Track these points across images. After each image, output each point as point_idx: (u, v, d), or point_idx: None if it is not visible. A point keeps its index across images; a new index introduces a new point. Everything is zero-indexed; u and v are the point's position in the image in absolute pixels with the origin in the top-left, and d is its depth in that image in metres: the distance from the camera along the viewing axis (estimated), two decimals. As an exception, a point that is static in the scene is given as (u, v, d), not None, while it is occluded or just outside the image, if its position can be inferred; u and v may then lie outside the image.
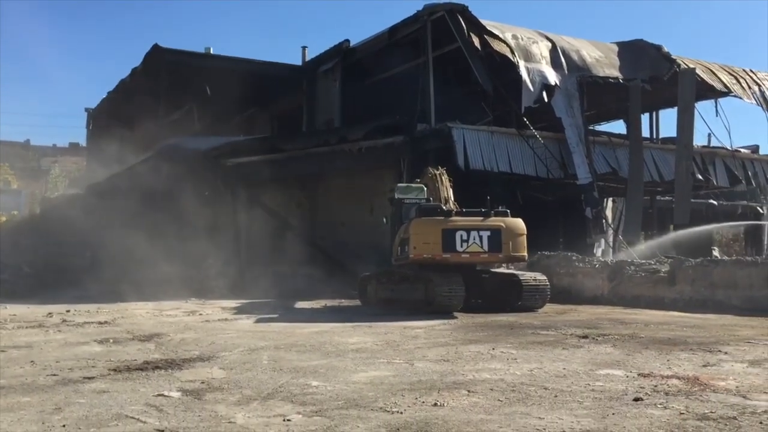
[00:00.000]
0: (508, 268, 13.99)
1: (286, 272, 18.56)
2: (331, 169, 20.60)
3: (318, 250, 19.95)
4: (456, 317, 11.35)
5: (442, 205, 13.14)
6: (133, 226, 17.48)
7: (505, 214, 12.61)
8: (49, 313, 11.99)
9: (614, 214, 26.64)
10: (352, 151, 19.53)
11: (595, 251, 21.02)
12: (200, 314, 12.38)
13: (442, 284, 11.99)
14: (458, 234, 12.12)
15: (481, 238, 12.18)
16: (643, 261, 15.77)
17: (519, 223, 12.60)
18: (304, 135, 20.60)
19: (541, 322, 10.49)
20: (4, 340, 8.58)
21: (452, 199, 13.92)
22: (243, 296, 16.41)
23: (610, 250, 22.72)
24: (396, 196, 14.03)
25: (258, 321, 11.20)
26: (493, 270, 13.43)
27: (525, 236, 12.56)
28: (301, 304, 14.73)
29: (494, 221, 12.40)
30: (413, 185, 14.45)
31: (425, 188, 14.14)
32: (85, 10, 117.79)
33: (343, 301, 15.82)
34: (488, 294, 13.07)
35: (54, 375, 6.22)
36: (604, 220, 22.09)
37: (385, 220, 14.80)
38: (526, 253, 12.79)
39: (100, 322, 10.74)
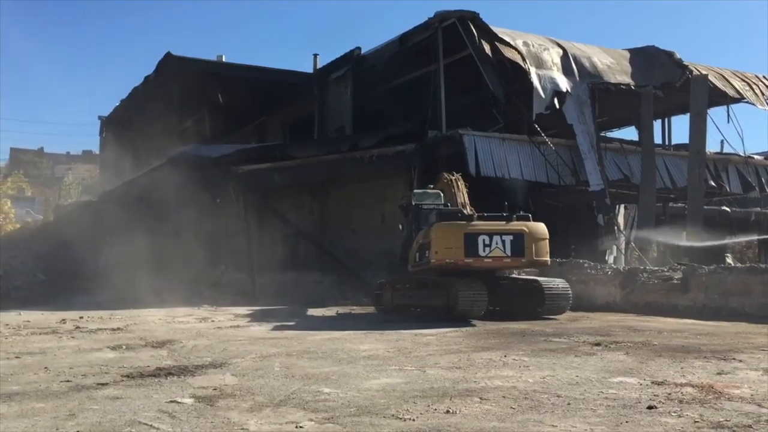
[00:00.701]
0: (519, 274, 13.91)
1: (298, 279, 18.59)
2: (342, 176, 20.64)
3: (329, 257, 19.97)
4: (474, 324, 11.25)
5: (463, 210, 12.99)
6: (145, 233, 17.57)
7: (527, 219, 12.40)
8: (63, 320, 12.07)
9: (626, 221, 26.49)
10: (363, 159, 19.56)
11: (607, 258, 20.92)
12: (212, 321, 12.42)
13: (464, 290, 11.76)
14: (480, 238, 11.90)
15: (503, 242, 11.97)
16: (656, 268, 15.67)
17: (541, 228, 12.40)
18: (316, 142, 20.65)
19: (553, 330, 10.45)
20: (18, 347, 8.64)
21: (469, 204, 13.79)
22: (255, 303, 16.46)
23: (622, 256, 22.61)
24: (413, 202, 13.89)
25: (270, 328, 11.22)
26: (511, 276, 13.23)
27: (547, 241, 12.37)
28: (312, 311, 14.75)
29: (517, 225, 12.19)
30: (429, 191, 14.32)
31: (442, 194, 14.04)
32: (98, 19, 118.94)
33: (354, 307, 15.82)
34: (507, 300, 12.84)
35: (68, 381, 6.26)
36: (616, 227, 21.98)
37: (401, 227, 14.59)
38: (548, 258, 12.58)
39: (113, 329, 10.80)
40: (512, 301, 12.83)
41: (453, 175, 14.52)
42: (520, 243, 12.03)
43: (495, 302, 12.63)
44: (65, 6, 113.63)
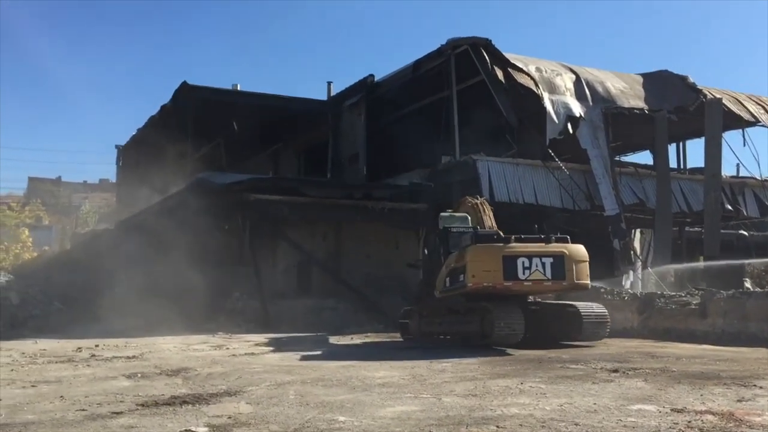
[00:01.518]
0: (548, 298, 13.44)
1: (312, 306, 18.55)
2: (353, 221, 20.57)
3: (344, 284, 19.94)
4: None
5: (496, 230, 12.49)
6: (160, 261, 17.64)
7: (565, 240, 11.93)
8: (79, 348, 12.10)
9: (642, 246, 26.30)
10: (375, 209, 19.58)
11: (623, 283, 20.75)
12: (227, 348, 12.41)
13: (501, 315, 11.26)
14: (520, 261, 11.39)
15: (543, 264, 11.45)
16: (674, 293, 15.52)
17: (581, 250, 11.92)
18: (330, 184, 20.60)
19: (570, 356, 10.34)
20: (34, 375, 8.66)
21: (496, 228, 13.30)
22: (269, 330, 16.43)
23: (639, 281, 22.42)
24: (441, 226, 13.45)
25: (284, 355, 11.19)
26: (543, 301, 12.76)
27: (588, 263, 11.90)
28: (327, 339, 14.69)
29: (556, 247, 11.71)
30: (456, 215, 13.85)
31: (468, 217, 13.59)
32: (115, 49, 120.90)
33: (369, 334, 15.76)
34: (539, 327, 12.15)
35: (83, 410, 6.25)
36: (632, 252, 21.82)
37: (426, 251, 14.19)
38: (589, 281, 12.09)
39: (128, 357, 10.81)
40: (545, 327, 12.24)
41: (477, 198, 14.17)
42: (561, 265, 11.54)
43: (526, 328, 11.97)
44: (81, 37, 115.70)
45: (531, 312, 12.22)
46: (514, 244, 11.64)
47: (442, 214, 13.95)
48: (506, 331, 11.19)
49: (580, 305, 12.24)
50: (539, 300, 12.83)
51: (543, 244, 11.74)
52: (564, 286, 11.91)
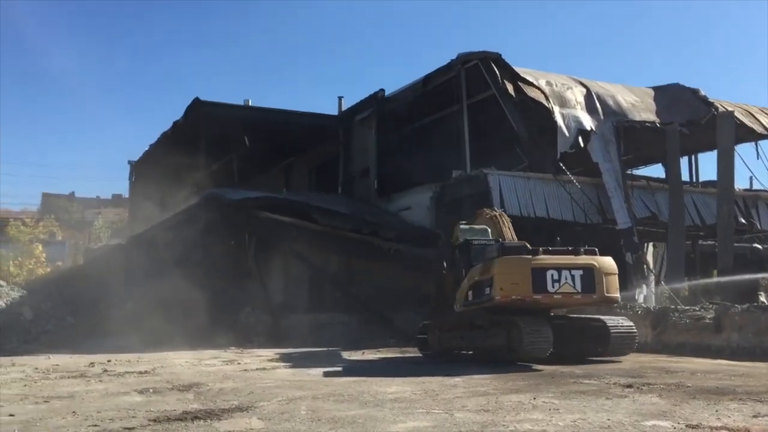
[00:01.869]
0: (568, 312, 12.92)
1: (323, 321, 18.55)
2: (359, 257, 20.56)
3: (354, 298, 19.92)
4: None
5: (523, 242, 12.16)
6: (172, 276, 17.71)
7: (594, 252, 11.65)
8: (91, 363, 12.14)
9: (655, 260, 26.14)
10: (382, 248, 19.57)
11: (636, 297, 20.60)
12: (239, 363, 12.41)
13: (528, 330, 10.94)
14: (549, 273, 11.12)
15: (573, 277, 11.18)
16: (687, 308, 15.39)
17: (610, 262, 11.67)
18: (340, 216, 20.54)
19: (583, 371, 10.26)
20: (47, 391, 8.69)
21: (517, 240, 12.97)
22: (281, 345, 16.43)
23: (653, 295, 22.26)
24: (462, 238, 13.19)
25: (296, 370, 11.18)
26: (566, 314, 12.44)
27: (617, 276, 11.69)
28: (338, 353, 14.66)
29: (586, 259, 11.42)
30: (476, 227, 13.61)
31: (489, 229, 13.34)
32: (127, 66, 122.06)
33: (381, 349, 15.72)
34: (563, 341, 11.64)
35: (95, 426, 6.26)
36: (645, 266, 21.69)
37: (445, 264, 13.80)
38: (618, 295, 11.86)
39: (140, 372, 10.84)
40: (569, 342, 11.88)
41: (495, 210, 13.91)
42: (591, 278, 11.27)
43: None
44: (94, 53, 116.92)
45: (555, 326, 11.78)
46: (542, 256, 11.36)
47: (461, 226, 13.63)
48: (535, 346, 10.91)
49: (607, 319, 12.00)
50: (562, 313, 12.48)
51: (572, 256, 11.48)
52: (594, 300, 11.62)
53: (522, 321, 11.14)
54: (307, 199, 21.51)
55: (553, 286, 11.12)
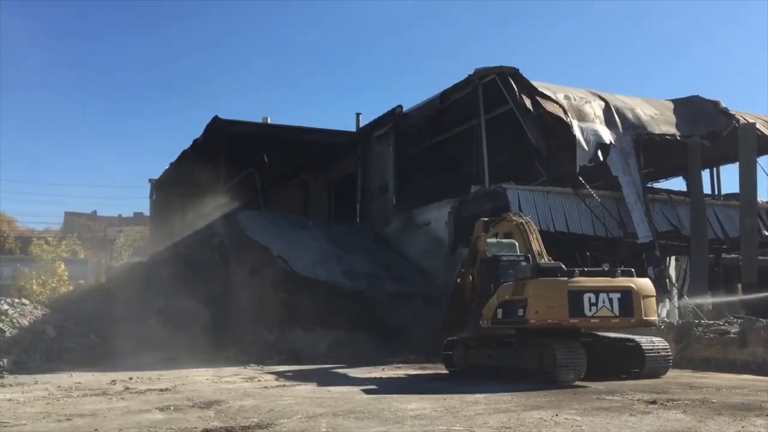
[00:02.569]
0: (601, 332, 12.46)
1: (344, 338, 18.48)
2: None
3: (372, 315, 19.84)
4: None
5: (558, 263, 11.77)
6: (192, 294, 17.80)
7: (630, 274, 11.39)
8: (113, 381, 12.21)
9: (678, 274, 25.84)
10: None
11: (659, 312, 20.37)
12: (259, 380, 12.42)
13: (563, 352, 10.69)
14: (586, 296, 10.79)
15: (611, 300, 10.85)
16: (711, 322, 15.18)
17: (648, 284, 11.43)
18: (359, 288, 20.66)
19: (606, 387, 10.14)
20: (69, 409, 8.75)
21: (546, 252, 12.54)
22: (301, 362, 16.41)
23: (676, 310, 21.99)
24: (490, 254, 12.89)
25: (316, 387, 11.16)
26: (597, 334, 12.08)
27: (655, 298, 11.45)
28: (358, 370, 14.62)
29: (623, 282, 11.11)
30: (504, 241, 13.28)
31: (516, 244, 12.95)
32: (147, 86, 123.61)
33: (400, 365, 15.65)
34: (595, 361, 11.29)
35: (117, 443, 6.29)
36: (667, 280, 21.44)
37: (471, 277, 13.49)
38: (657, 318, 11.63)
39: (161, 389, 10.88)
40: (600, 362, 11.59)
41: (522, 218, 13.30)
42: (629, 301, 10.92)
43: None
44: (114, 75, 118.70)
45: (586, 346, 11.46)
46: (579, 278, 11.04)
47: (489, 240, 13.28)
48: (570, 369, 10.69)
49: (642, 340, 11.75)
50: (597, 334, 12.10)
51: (609, 278, 11.17)
52: (632, 323, 11.25)
53: (555, 343, 10.91)
54: (326, 244, 21.41)
55: (590, 310, 10.81)
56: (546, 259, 12.22)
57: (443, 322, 14.48)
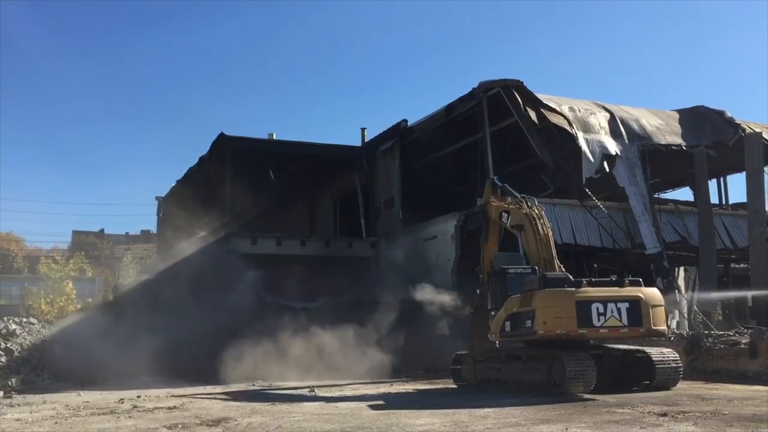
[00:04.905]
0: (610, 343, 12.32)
1: (350, 352, 18.38)
2: None
3: (379, 329, 19.75)
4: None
5: (566, 273, 11.67)
6: (199, 311, 17.77)
7: (638, 284, 11.37)
8: (121, 399, 12.18)
9: (687, 284, 25.71)
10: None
11: (668, 323, 20.25)
12: (266, 397, 12.36)
13: (572, 364, 10.61)
14: (594, 306, 10.78)
15: (619, 310, 10.84)
16: (722, 332, 15.07)
17: (656, 294, 11.39)
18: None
19: (616, 400, 10.07)
20: (77, 428, 8.72)
21: (556, 259, 12.17)
22: (308, 378, 16.34)
23: (685, 321, 21.86)
24: (496, 267, 12.82)
25: (324, 402, 11.11)
26: (606, 345, 12.01)
27: (663, 307, 11.39)
28: (366, 385, 14.55)
29: (631, 291, 11.09)
30: (510, 253, 13.16)
31: (523, 257, 12.65)
32: (153, 103, 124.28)
33: (408, 380, 15.58)
34: (604, 372, 11.20)
35: (124, 462, 6.26)
36: (676, 290, 21.33)
37: (478, 291, 13.54)
38: (666, 327, 11.57)
39: (169, 408, 10.84)
40: (610, 374, 11.51)
41: (534, 208, 12.63)
42: (637, 311, 10.94)
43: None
44: (122, 93, 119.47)
45: (596, 358, 11.36)
46: (587, 288, 11.04)
47: (497, 253, 13.20)
48: (579, 381, 10.62)
49: (652, 351, 11.67)
50: (606, 346, 12.05)
51: (617, 288, 11.14)
52: (641, 333, 11.22)
53: (564, 355, 10.83)
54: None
55: (598, 320, 10.79)
56: (557, 266, 12.01)
57: (470, 336, 14.15)
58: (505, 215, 13.12)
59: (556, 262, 12.10)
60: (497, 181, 14.01)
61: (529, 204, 12.89)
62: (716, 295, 19.95)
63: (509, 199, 13.34)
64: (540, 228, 12.38)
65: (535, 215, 12.54)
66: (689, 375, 13.73)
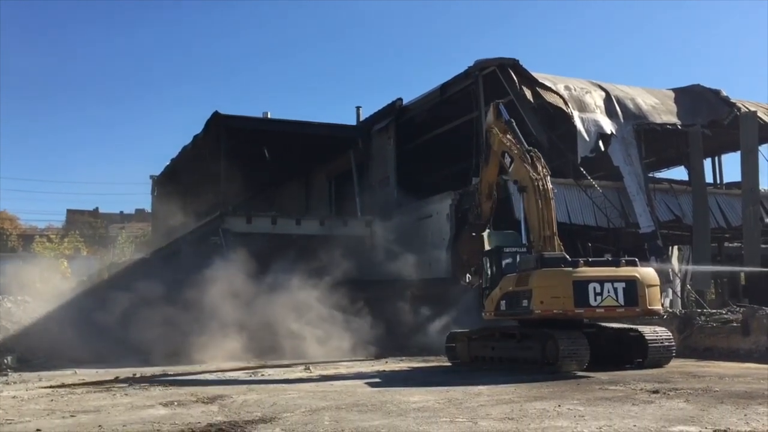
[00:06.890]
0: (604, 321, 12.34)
1: (346, 330, 18.46)
2: None
3: (375, 307, 19.82)
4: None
5: (563, 253, 11.57)
6: (194, 290, 17.77)
7: (634, 263, 11.42)
8: (117, 377, 12.23)
9: (681, 263, 25.84)
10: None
11: (663, 302, 20.38)
12: (262, 375, 12.43)
13: (566, 342, 10.70)
14: (591, 286, 10.84)
15: (615, 290, 10.92)
16: (714, 311, 15.18)
17: (652, 273, 11.43)
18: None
19: (608, 377, 10.15)
20: (73, 405, 8.76)
21: (556, 234, 11.85)
22: (305, 356, 16.42)
23: (678, 299, 22.00)
24: (492, 245, 12.85)
25: (318, 380, 11.17)
26: (600, 324, 12.05)
27: (659, 287, 11.47)
28: (361, 362, 14.64)
29: (628, 271, 11.16)
30: (506, 232, 13.22)
31: (518, 236, 12.69)
32: (147, 82, 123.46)
33: (403, 358, 15.67)
34: (598, 350, 11.32)
35: (120, 439, 6.30)
36: (670, 269, 21.44)
37: (473, 270, 13.57)
38: (661, 307, 11.64)
39: (164, 385, 10.89)
40: (603, 352, 11.61)
41: (540, 164, 12.24)
42: (633, 290, 11.02)
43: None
44: (116, 71, 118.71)
45: (589, 336, 11.41)
46: (584, 268, 11.07)
47: (490, 231, 13.17)
48: (573, 359, 10.72)
49: (645, 330, 11.76)
50: (599, 324, 12.11)
51: (613, 268, 11.19)
52: (637, 312, 11.30)
53: (558, 333, 10.90)
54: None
55: (595, 300, 10.85)
56: (557, 244, 11.82)
57: (460, 251, 14.17)
58: (508, 159, 12.70)
59: (557, 239, 11.93)
60: (505, 113, 13.34)
61: (534, 159, 12.34)
62: (709, 268, 20.07)
63: (511, 138, 12.77)
64: (542, 191, 11.94)
65: (540, 177, 12.05)
66: (682, 353, 13.85)
